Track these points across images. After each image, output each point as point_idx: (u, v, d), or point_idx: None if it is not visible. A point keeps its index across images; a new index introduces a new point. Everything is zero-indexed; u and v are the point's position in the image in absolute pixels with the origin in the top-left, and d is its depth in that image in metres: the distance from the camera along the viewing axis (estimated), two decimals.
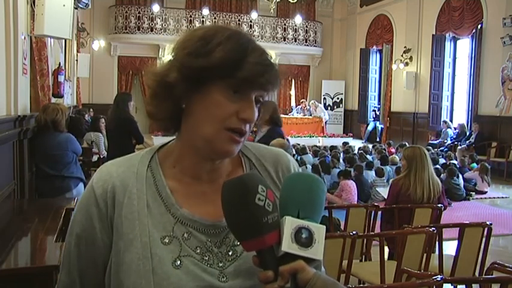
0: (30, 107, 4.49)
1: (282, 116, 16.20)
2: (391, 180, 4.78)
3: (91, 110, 11.89)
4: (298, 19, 15.99)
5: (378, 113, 16.00)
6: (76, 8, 6.49)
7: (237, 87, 0.86)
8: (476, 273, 3.29)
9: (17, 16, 3.78)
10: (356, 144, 12.41)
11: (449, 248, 4.37)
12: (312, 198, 0.85)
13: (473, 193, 8.35)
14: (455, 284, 3.28)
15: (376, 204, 4.36)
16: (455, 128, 12.38)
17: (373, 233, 3.78)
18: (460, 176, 8.22)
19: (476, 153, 10.26)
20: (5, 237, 2.59)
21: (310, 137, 13.75)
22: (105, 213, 0.90)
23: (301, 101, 16.85)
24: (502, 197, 8.54)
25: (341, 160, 8.77)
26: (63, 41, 7.88)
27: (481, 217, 6.65)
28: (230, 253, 0.91)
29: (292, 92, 18.47)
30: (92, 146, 7.45)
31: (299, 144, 9.84)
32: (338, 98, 17.88)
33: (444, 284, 2.26)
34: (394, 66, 14.92)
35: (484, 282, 2.52)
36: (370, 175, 7.71)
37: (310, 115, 15.52)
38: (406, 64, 14.34)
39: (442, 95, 13.06)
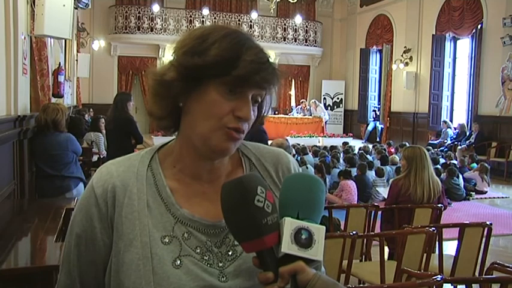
0: (30, 107, 4.50)
1: (282, 116, 16.32)
2: (391, 180, 4.78)
3: (91, 110, 11.90)
4: (298, 19, 15.98)
5: (378, 113, 15.99)
6: (76, 8, 6.49)
7: (232, 85, 0.86)
8: (476, 273, 3.29)
9: (17, 16, 3.78)
10: (356, 144, 12.40)
11: (449, 248, 4.37)
12: (311, 199, 0.85)
13: (473, 193, 8.35)
14: (455, 284, 3.28)
15: (376, 204, 4.36)
16: (455, 128, 12.37)
17: (373, 233, 3.78)
18: (460, 176, 8.22)
19: (476, 153, 10.26)
20: (5, 237, 2.59)
21: (310, 137, 13.76)
22: (106, 213, 0.90)
23: (301, 101, 16.85)
24: (502, 197, 8.54)
25: (341, 160, 8.77)
26: (63, 41, 7.88)
27: (481, 217, 6.65)
28: (230, 253, 0.91)
29: (292, 92, 18.46)
30: (92, 146, 7.45)
31: (299, 144, 9.84)
32: (338, 98, 17.87)
33: (444, 284, 2.26)
34: (394, 66, 14.92)
35: (484, 282, 2.52)
36: (370, 175, 7.71)
37: (310, 115, 15.52)
38: (406, 64, 14.34)
39: (442, 95, 13.06)
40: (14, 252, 2.47)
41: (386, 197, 4.30)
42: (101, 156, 7.43)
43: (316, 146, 11.26)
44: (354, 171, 7.58)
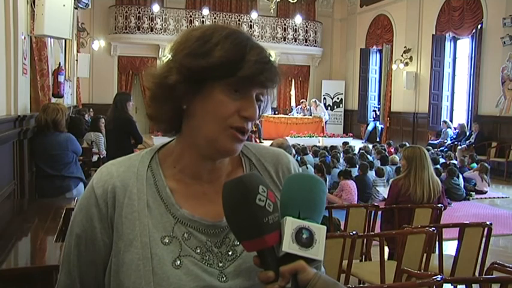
0: (30, 107, 4.50)
1: (282, 116, 16.31)
2: (391, 180, 4.78)
3: (91, 110, 11.90)
4: (298, 19, 15.98)
5: (378, 113, 16.00)
6: (76, 8, 6.49)
7: (237, 86, 0.86)
8: (476, 273, 3.29)
9: (17, 16, 3.78)
10: (356, 144, 12.40)
11: (449, 248, 4.37)
12: (312, 199, 0.85)
13: (473, 193, 8.35)
14: (455, 284, 3.28)
15: (376, 204, 4.36)
16: (455, 128, 12.38)
17: (373, 233, 3.78)
18: (460, 176, 8.22)
19: (476, 153, 10.26)
20: (5, 237, 2.59)
21: (310, 137, 13.76)
22: (106, 213, 0.90)
23: (301, 101, 16.85)
24: (502, 197, 8.54)
25: (341, 160, 8.77)
26: (63, 41, 7.88)
27: (481, 217, 6.65)
28: (230, 253, 0.91)
29: (292, 92, 18.47)
30: (92, 146, 7.46)
31: (299, 145, 9.84)
32: (338, 98, 17.87)
33: (444, 284, 2.26)
34: (394, 66, 14.92)
35: (484, 282, 2.52)
36: (370, 175, 7.71)
37: (310, 115, 15.53)
38: (406, 64, 14.34)
39: (442, 95, 13.06)
40: (14, 252, 2.47)
41: (386, 197, 4.30)
42: (101, 156, 7.43)
43: (316, 146, 11.26)
44: (354, 171, 7.58)
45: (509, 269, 2.29)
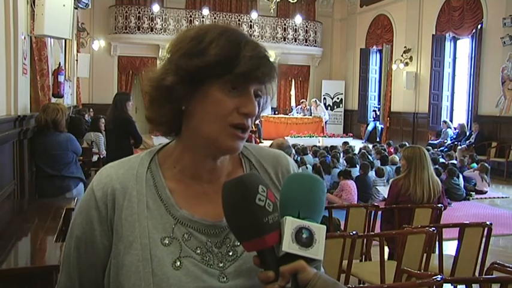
0: (30, 107, 4.50)
1: (282, 116, 16.33)
2: (391, 181, 4.78)
3: (91, 110, 11.90)
4: (298, 19, 15.98)
5: (378, 113, 16.00)
6: (76, 8, 6.49)
7: (234, 83, 0.86)
8: (476, 273, 3.29)
9: (17, 16, 3.78)
10: (356, 144, 12.40)
11: (449, 248, 4.37)
12: (312, 199, 0.85)
13: (473, 193, 8.35)
14: (455, 284, 3.28)
15: (376, 204, 4.36)
16: (455, 128, 12.37)
17: (373, 233, 3.78)
18: (460, 176, 8.22)
19: (476, 153, 10.25)
20: (5, 237, 2.59)
21: (310, 137, 13.76)
22: (105, 216, 0.90)
23: (301, 101, 16.86)
24: (502, 197, 8.54)
25: (341, 160, 8.77)
26: (63, 41, 7.88)
27: (481, 217, 6.65)
28: (230, 253, 0.91)
29: (292, 92, 18.47)
30: (92, 146, 7.45)
31: (299, 145, 9.85)
32: (338, 98, 17.88)
33: (444, 284, 2.27)
34: (394, 66, 14.92)
35: (484, 282, 2.52)
36: (371, 175, 7.71)
37: (311, 115, 15.53)
38: (406, 64, 14.34)
39: (442, 95, 13.06)
40: (14, 252, 2.47)
41: (386, 196, 4.30)
42: (101, 156, 7.43)
43: (316, 146, 11.25)
44: (354, 171, 7.57)
45: (509, 269, 2.29)
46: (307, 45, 17.79)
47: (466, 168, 9.12)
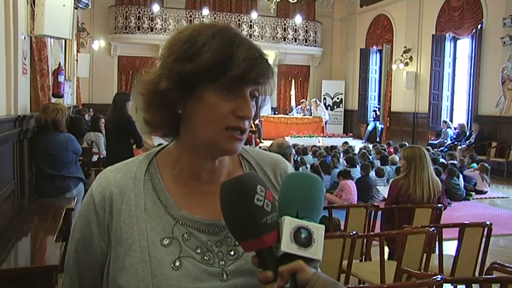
0: (30, 107, 4.50)
1: (282, 116, 16.32)
2: (391, 181, 4.78)
3: (91, 110, 11.90)
4: (298, 19, 15.98)
5: (378, 113, 16.00)
6: (76, 8, 6.49)
7: (229, 86, 0.85)
8: (476, 273, 3.29)
9: (17, 16, 3.78)
10: (356, 144, 12.40)
11: (449, 248, 4.37)
12: (310, 198, 0.85)
13: (473, 193, 8.35)
14: (455, 284, 3.28)
15: (376, 204, 4.36)
16: (455, 128, 12.37)
17: (373, 233, 3.78)
18: (461, 176, 8.22)
19: (476, 153, 10.25)
20: (5, 237, 2.59)
21: (310, 137, 13.75)
22: (103, 220, 0.91)
23: (301, 101, 16.86)
24: (502, 197, 8.53)
25: (341, 160, 8.76)
26: (63, 41, 7.88)
27: (481, 217, 6.65)
28: (232, 253, 0.91)
29: (292, 92, 18.47)
30: (92, 146, 7.46)
31: (299, 145, 9.85)
32: (338, 98, 17.88)
33: (444, 284, 2.26)
34: (394, 66, 14.92)
35: (484, 282, 2.52)
36: (371, 175, 7.71)
37: (311, 115, 15.53)
38: (406, 64, 14.34)
39: (442, 95, 13.06)
40: (14, 252, 2.47)
41: (386, 196, 4.30)
42: (101, 156, 7.43)
43: (316, 146, 11.25)
44: (354, 171, 7.57)
45: (509, 269, 2.29)
46: (307, 45, 17.79)
47: (466, 168, 9.11)
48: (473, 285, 2.46)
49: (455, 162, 9.11)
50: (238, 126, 0.87)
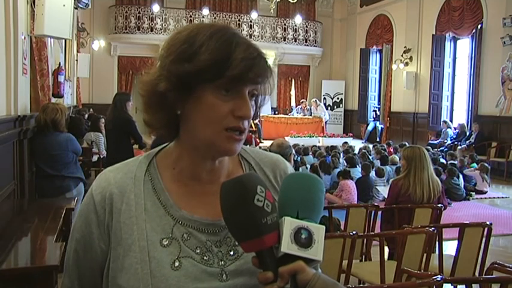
0: (30, 107, 4.50)
1: (282, 116, 16.30)
2: (391, 181, 4.78)
3: (91, 109, 11.89)
4: (298, 19, 15.98)
5: (378, 113, 16.00)
6: (76, 8, 6.49)
7: (227, 86, 0.85)
8: (476, 273, 3.29)
9: (17, 16, 3.78)
10: (356, 144, 12.40)
11: (449, 248, 4.37)
12: (311, 199, 0.85)
13: (473, 193, 8.35)
14: (455, 284, 3.28)
15: (376, 204, 4.36)
16: (455, 128, 12.37)
17: (373, 233, 3.78)
18: (461, 176, 8.22)
19: (476, 153, 10.24)
20: (5, 237, 2.59)
21: (310, 137, 13.76)
22: (103, 220, 0.91)
23: (301, 101, 16.87)
24: (502, 197, 8.53)
25: (341, 160, 8.76)
26: (63, 41, 7.89)
27: (481, 217, 6.65)
28: (231, 253, 0.91)
29: (292, 92, 18.47)
30: (92, 146, 7.46)
31: (299, 145, 9.84)
32: (338, 98, 17.88)
33: (444, 284, 2.26)
34: (394, 66, 14.92)
35: (484, 282, 2.52)
36: (371, 175, 7.71)
37: (311, 115, 15.53)
38: (406, 64, 14.34)
39: (442, 95, 13.06)
40: (14, 252, 2.47)
41: (386, 196, 4.30)
42: (101, 156, 7.43)
43: (316, 146, 11.26)
44: (354, 171, 7.57)
45: (509, 269, 2.29)
46: (307, 45, 17.80)
47: (466, 168, 9.11)
48: (473, 285, 2.46)
49: (455, 162, 9.11)
50: (237, 127, 0.87)
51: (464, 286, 2.71)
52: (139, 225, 0.89)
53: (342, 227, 4.08)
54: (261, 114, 12.26)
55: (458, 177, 8.04)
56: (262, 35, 17.05)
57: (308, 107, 15.87)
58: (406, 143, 10.47)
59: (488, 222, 3.27)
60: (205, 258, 0.89)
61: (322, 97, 17.63)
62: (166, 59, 0.88)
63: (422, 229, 3.03)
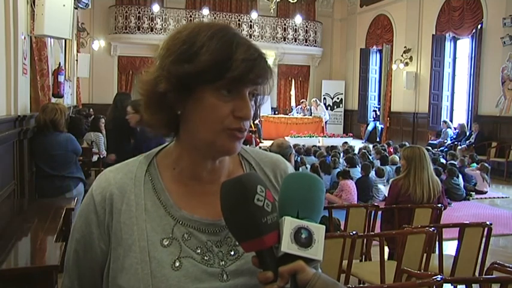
0: (30, 107, 4.50)
1: (282, 116, 16.28)
2: (391, 180, 4.78)
3: (91, 109, 11.90)
4: (298, 19, 15.99)
5: (378, 113, 16.00)
6: (76, 8, 6.49)
7: (228, 87, 0.84)
8: (476, 273, 3.29)
9: (17, 16, 3.78)
10: (356, 144, 12.40)
11: (449, 248, 4.37)
12: (311, 198, 0.85)
13: (473, 193, 8.35)
14: (455, 284, 3.28)
15: (376, 204, 4.36)
16: (455, 128, 12.38)
17: (373, 233, 3.78)
18: (460, 176, 8.22)
19: (476, 153, 10.25)
20: (5, 237, 2.59)
21: (310, 137, 13.76)
22: (103, 220, 0.91)
23: (301, 101, 16.87)
24: (502, 197, 8.53)
25: (341, 160, 8.77)
26: (63, 41, 7.88)
27: (481, 217, 6.65)
28: (232, 253, 0.91)
29: (292, 92, 18.47)
30: (92, 146, 7.45)
31: (300, 145, 9.84)
32: (338, 98, 17.88)
33: (444, 284, 2.26)
34: (394, 66, 14.92)
35: (484, 282, 2.52)
36: (371, 175, 7.71)
37: (310, 115, 15.54)
38: (406, 64, 14.34)
39: (442, 95, 13.06)
40: (14, 252, 2.47)
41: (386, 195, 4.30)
42: (101, 156, 7.42)
43: (316, 146, 11.26)
44: (354, 171, 7.57)
45: (509, 269, 2.29)
46: (307, 45, 17.80)
47: (467, 168, 9.11)
48: (473, 285, 2.46)
49: (455, 162, 9.10)
50: (238, 128, 0.87)
51: (464, 286, 2.71)
52: (139, 226, 0.89)
53: (342, 227, 4.08)
54: (261, 114, 12.25)
55: (458, 177, 8.04)
56: (262, 35, 17.05)
57: (308, 107, 15.87)
58: (406, 143, 10.47)
59: (488, 222, 3.27)
60: (205, 258, 0.89)
61: (322, 97, 17.63)
62: (166, 59, 0.87)
63: (422, 229, 3.03)
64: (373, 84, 16.62)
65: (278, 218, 0.82)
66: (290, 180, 0.88)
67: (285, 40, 17.41)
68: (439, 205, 3.90)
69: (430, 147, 10.43)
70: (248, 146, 1.16)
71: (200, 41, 0.84)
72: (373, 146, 10.68)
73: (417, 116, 14.01)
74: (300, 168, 7.46)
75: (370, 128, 15.86)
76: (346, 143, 11.50)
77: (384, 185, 7.41)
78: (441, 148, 11.53)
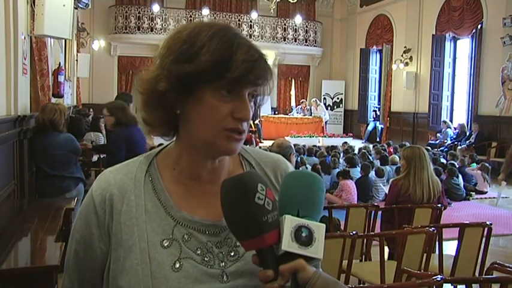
0: (30, 107, 4.50)
1: (282, 116, 16.27)
2: (391, 180, 4.78)
3: (91, 109, 11.89)
4: (298, 19, 15.99)
5: (378, 113, 16.00)
6: (76, 8, 6.49)
7: (227, 87, 0.84)
8: (476, 273, 3.29)
9: (17, 16, 3.78)
10: (356, 144, 12.40)
11: (449, 248, 4.37)
12: (311, 197, 0.85)
13: (473, 193, 8.35)
14: (455, 284, 3.28)
15: (376, 204, 4.36)
16: (455, 128, 12.38)
17: (373, 233, 3.78)
18: (460, 176, 8.22)
19: (476, 153, 10.25)
20: (5, 237, 2.59)
21: (310, 137, 13.76)
22: (103, 221, 0.91)
23: (301, 101, 16.87)
24: (502, 197, 8.52)
25: (341, 160, 8.77)
26: (63, 41, 7.88)
27: (481, 217, 6.65)
28: (232, 254, 0.91)
29: (292, 92, 18.47)
30: None
31: (299, 145, 9.84)
32: (338, 98, 17.88)
33: (444, 284, 2.26)
34: (394, 66, 14.92)
35: (484, 282, 2.52)
36: (371, 175, 7.71)
37: (310, 115, 15.54)
38: (406, 64, 14.35)
39: (442, 95, 13.07)
40: (14, 252, 2.47)
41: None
42: (101, 157, 7.41)
43: (316, 146, 11.26)
44: (354, 171, 7.57)
45: (509, 269, 2.29)
46: (307, 45, 17.80)
47: (467, 168, 9.10)
48: (473, 285, 2.46)
49: (455, 162, 9.10)
50: (236, 128, 0.86)
51: (464, 286, 2.71)
52: (139, 226, 0.89)
53: (342, 227, 4.08)
54: (261, 114, 12.24)
55: (458, 177, 8.04)
56: (262, 35, 17.05)
57: (308, 107, 15.87)
58: (406, 143, 10.46)
59: (488, 222, 3.27)
60: (205, 259, 0.89)
61: (322, 97, 17.63)
62: (166, 58, 0.87)
63: (422, 229, 3.03)
64: (373, 84, 16.62)
65: (278, 216, 0.82)
66: (290, 178, 0.88)
67: (285, 40, 17.41)
68: (439, 205, 3.90)
69: (430, 147, 10.42)
70: (248, 146, 1.16)
71: (201, 41, 0.84)
72: (373, 146, 10.68)
73: (417, 116, 14.01)
74: (301, 168, 7.46)
75: (370, 128, 15.87)
76: (346, 143, 11.50)
77: (384, 185, 7.41)
78: (441, 148, 11.53)
